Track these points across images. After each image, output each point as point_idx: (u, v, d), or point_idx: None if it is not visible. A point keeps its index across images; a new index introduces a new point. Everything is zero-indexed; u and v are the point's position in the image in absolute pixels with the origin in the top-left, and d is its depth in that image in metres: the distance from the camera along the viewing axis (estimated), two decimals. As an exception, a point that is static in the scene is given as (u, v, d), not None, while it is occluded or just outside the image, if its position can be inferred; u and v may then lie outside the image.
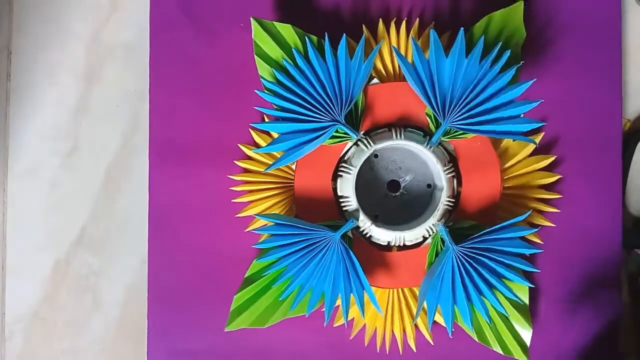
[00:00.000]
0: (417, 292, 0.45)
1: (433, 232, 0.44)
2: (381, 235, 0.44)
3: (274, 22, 0.44)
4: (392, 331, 0.46)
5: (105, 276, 0.47)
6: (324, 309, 0.44)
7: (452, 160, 0.45)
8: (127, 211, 0.47)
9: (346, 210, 0.44)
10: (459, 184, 0.45)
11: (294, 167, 0.45)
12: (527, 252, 0.45)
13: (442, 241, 0.43)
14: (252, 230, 0.45)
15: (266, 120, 0.45)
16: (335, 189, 0.45)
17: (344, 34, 0.43)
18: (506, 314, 0.44)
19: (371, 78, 0.45)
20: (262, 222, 0.45)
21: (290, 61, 0.43)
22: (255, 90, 0.44)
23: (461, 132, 0.43)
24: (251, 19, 0.44)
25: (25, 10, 0.47)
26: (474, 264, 0.41)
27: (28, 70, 0.47)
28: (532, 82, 0.41)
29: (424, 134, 0.45)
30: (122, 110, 0.47)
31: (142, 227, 0.47)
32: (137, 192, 0.47)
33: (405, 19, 0.46)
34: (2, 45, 0.48)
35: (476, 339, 0.45)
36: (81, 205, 0.47)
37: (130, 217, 0.47)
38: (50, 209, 0.47)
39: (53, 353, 0.47)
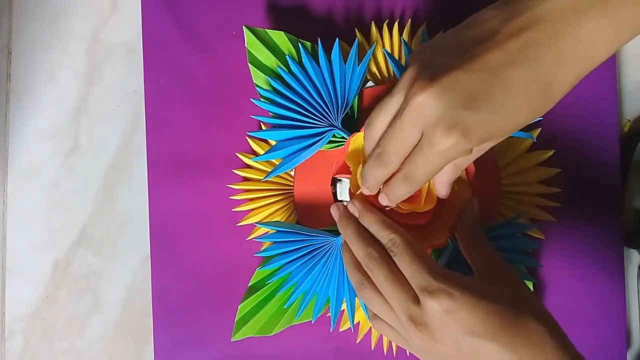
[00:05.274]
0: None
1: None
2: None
3: (266, 29, 0.44)
4: (398, 333, 0.46)
5: (106, 276, 0.47)
6: (329, 315, 0.44)
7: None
8: (127, 211, 0.47)
9: (347, 215, 0.44)
10: (459, 183, 0.45)
11: (292, 173, 0.45)
12: (529, 247, 0.45)
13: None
14: (254, 238, 0.45)
15: (263, 128, 0.45)
16: (335, 194, 0.45)
17: (337, 39, 0.43)
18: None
19: (366, 81, 0.45)
20: (263, 230, 0.45)
21: (284, 68, 0.43)
22: (251, 99, 0.44)
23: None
24: (243, 27, 0.44)
25: (25, 10, 0.47)
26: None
27: (28, 70, 0.47)
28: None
29: (421, 134, 0.45)
30: (122, 110, 0.47)
31: (142, 227, 0.47)
32: (137, 191, 0.47)
33: (398, 20, 0.46)
34: (2, 45, 0.47)
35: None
36: (81, 205, 0.47)
37: (130, 216, 0.47)
38: (50, 209, 0.47)
39: (53, 353, 0.47)
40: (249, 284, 0.45)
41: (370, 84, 0.45)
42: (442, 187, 0.37)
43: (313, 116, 0.43)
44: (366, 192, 0.37)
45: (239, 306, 0.44)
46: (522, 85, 0.29)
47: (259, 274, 0.44)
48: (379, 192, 0.36)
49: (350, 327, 0.45)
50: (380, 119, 0.34)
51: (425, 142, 0.31)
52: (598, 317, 0.46)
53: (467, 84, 0.29)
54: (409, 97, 0.31)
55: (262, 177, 0.44)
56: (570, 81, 0.30)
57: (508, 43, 0.29)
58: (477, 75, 0.29)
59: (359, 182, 0.37)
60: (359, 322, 0.46)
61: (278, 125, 0.43)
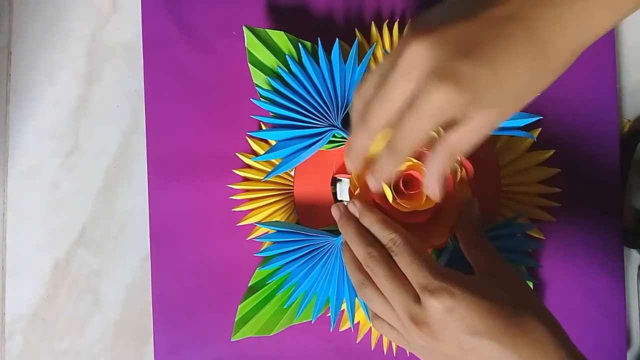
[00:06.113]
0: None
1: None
2: (383, 237, 0.44)
3: (266, 29, 0.44)
4: (398, 333, 0.46)
5: (106, 276, 0.47)
6: (329, 315, 0.44)
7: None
8: (127, 211, 0.47)
9: (347, 215, 0.44)
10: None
11: (292, 173, 0.45)
12: (529, 247, 0.45)
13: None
14: (254, 238, 0.45)
15: (263, 128, 0.45)
16: (335, 194, 0.45)
17: (337, 39, 0.43)
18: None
19: (366, 81, 0.45)
20: (263, 230, 0.45)
21: (284, 68, 0.43)
22: (251, 99, 0.44)
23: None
24: (243, 27, 0.44)
25: (25, 10, 0.47)
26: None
27: (28, 70, 0.47)
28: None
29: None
30: (122, 110, 0.47)
31: (142, 227, 0.47)
32: (137, 191, 0.47)
33: (398, 20, 0.46)
34: (2, 45, 0.47)
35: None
36: (81, 205, 0.47)
37: (130, 216, 0.47)
38: (50, 209, 0.47)
39: (53, 353, 0.47)
40: (249, 284, 0.45)
41: (370, 84, 0.45)
42: (433, 180, 0.32)
43: (313, 116, 0.43)
44: (349, 167, 0.35)
45: (239, 306, 0.44)
46: (519, 40, 0.28)
47: (259, 274, 0.44)
48: (378, 193, 0.36)
49: (350, 327, 0.45)
50: (369, 82, 0.31)
51: (416, 95, 0.29)
52: (598, 317, 0.46)
53: (463, 35, 0.28)
54: (401, 51, 0.29)
55: (262, 177, 0.44)
56: (569, 49, 0.29)
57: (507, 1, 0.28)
58: (473, 27, 0.28)
59: (352, 173, 0.36)
60: (359, 322, 0.46)
61: (278, 125, 0.43)
